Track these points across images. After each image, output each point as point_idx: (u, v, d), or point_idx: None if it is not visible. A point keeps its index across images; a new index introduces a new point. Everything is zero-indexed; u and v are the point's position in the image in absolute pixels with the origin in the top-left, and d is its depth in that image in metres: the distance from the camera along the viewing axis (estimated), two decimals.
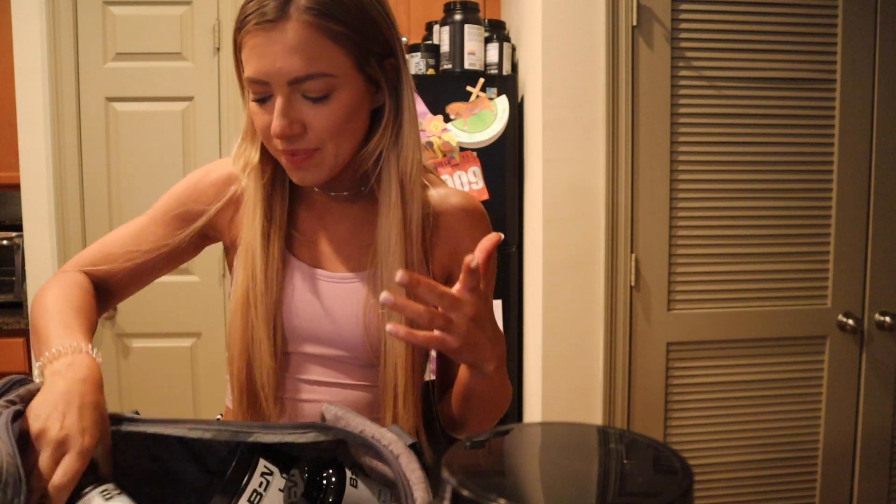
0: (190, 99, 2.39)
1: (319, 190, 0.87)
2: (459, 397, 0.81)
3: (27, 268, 2.33)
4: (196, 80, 2.39)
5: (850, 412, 1.93)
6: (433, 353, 0.92)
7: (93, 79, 2.35)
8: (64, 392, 0.61)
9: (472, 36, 2.05)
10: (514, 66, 2.16)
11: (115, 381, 2.40)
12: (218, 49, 2.38)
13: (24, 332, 2.33)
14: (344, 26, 0.72)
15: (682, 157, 1.84)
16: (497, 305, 2.04)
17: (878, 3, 1.83)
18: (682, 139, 1.83)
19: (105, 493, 0.57)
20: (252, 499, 0.59)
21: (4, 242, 2.43)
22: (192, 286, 2.43)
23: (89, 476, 0.58)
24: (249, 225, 0.83)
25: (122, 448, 0.64)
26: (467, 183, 2.02)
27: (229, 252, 0.90)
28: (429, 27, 2.21)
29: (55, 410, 0.59)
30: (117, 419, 0.65)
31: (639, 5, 1.78)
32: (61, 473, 0.56)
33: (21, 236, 2.38)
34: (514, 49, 2.15)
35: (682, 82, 1.82)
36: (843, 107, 1.85)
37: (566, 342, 1.87)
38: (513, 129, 2.04)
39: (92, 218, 2.38)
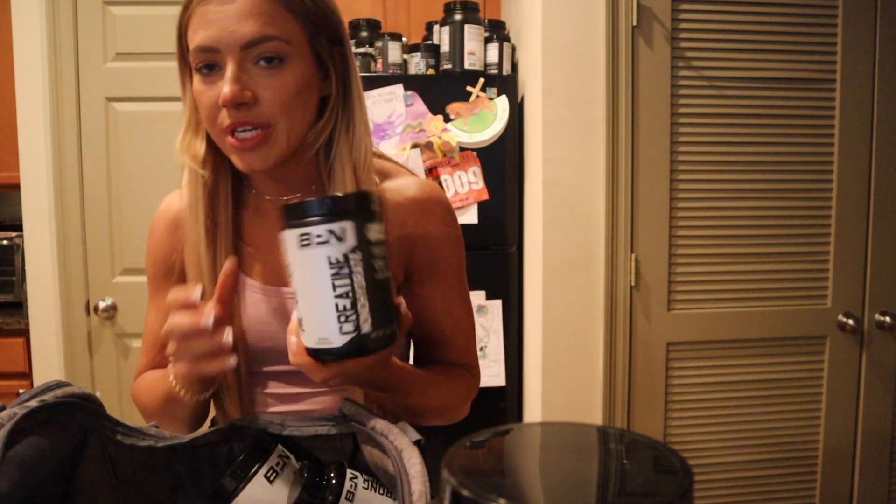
0: None
1: (268, 196, 0.83)
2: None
3: (27, 268, 2.33)
4: None
5: (850, 412, 1.93)
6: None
7: (93, 79, 2.35)
8: None
9: (472, 36, 2.05)
10: (514, 66, 2.16)
11: (115, 381, 2.40)
12: None
13: (24, 332, 2.32)
14: None
15: (682, 157, 1.84)
16: (497, 305, 2.04)
17: (878, 3, 1.83)
18: (682, 139, 1.83)
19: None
20: (268, 475, 0.61)
21: (4, 242, 2.43)
22: None
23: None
24: (193, 225, 0.78)
25: (137, 460, 0.64)
26: (467, 183, 2.02)
27: None
28: (429, 27, 2.21)
29: None
30: (135, 431, 0.65)
31: (639, 5, 1.78)
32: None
33: (21, 236, 2.37)
34: (514, 49, 2.15)
35: (682, 82, 1.82)
36: (843, 107, 1.85)
37: (566, 342, 1.87)
38: (513, 129, 2.04)
39: (92, 218, 2.38)
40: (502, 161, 2.04)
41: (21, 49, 2.27)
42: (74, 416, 0.61)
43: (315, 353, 0.60)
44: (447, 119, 2.03)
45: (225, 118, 0.71)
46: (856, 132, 1.86)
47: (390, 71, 2.09)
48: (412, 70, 2.09)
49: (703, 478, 1.91)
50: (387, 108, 2.02)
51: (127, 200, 2.38)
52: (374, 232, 0.58)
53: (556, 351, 1.87)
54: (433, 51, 2.09)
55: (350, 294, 0.57)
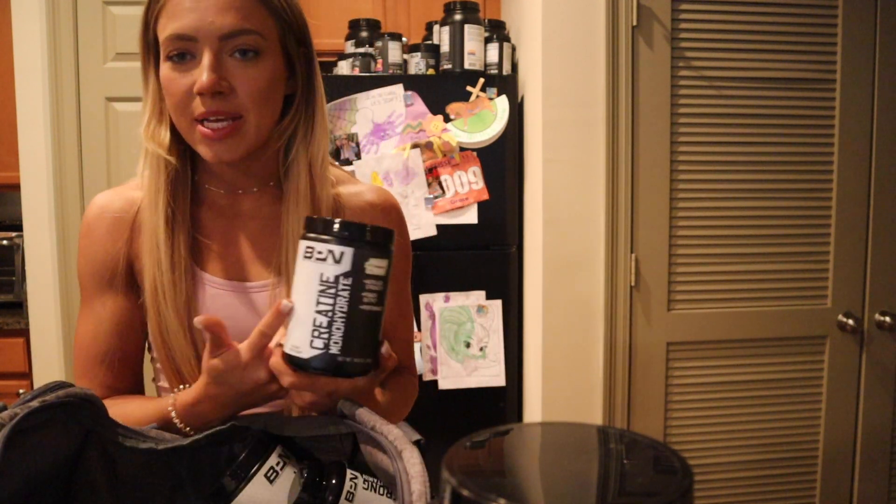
0: None
1: (225, 191, 0.83)
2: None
3: (27, 268, 2.33)
4: None
5: (850, 412, 1.93)
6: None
7: (93, 79, 2.35)
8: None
9: (472, 36, 2.05)
10: (514, 66, 2.16)
11: None
12: None
13: (24, 332, 2.33)
14: None
15: (682, 157, 1.84)
16: (497, 305, 2.04)
17: (878, 3, 1.83)
18: (682, 139, 1.83)
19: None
20: (268, 475, 0.61)
21: (4, 242, 2.43)
22: None
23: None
24: (153, 211, 0.77)
25: (138, 461, 0.64)
26: (467, 183, 2.02)
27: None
28: (429, 27, 2.21)
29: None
30: (135, 433, 0.65)
31: (639, 5, 1.78)
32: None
33: (21, 236, 2.38)
34: (514, 49, 2.15)
35: (682, 82, 1.82)
36: (843, 107, 1.85)
37: (566, 342, 1.87)
38: (513, 129, 2.04)
39: None
40: (502, 161, 2.04)
41: (21, 49, 2.27)
42: (75, 416, 0.61)
43: (287, 358, 0.62)
44: (447, 119, 2.03)
45: (198, 106, 0.72)
46: (856, 132, 1.86)
47: (390, 71, 2.09)
48: (412, 70, 2.09)
49: (703, 478, 1.91)
50: (387, 108, 2.02)
51: None
52: (374, 266, 0.60)
53: (556, 351, 1.88)
54: (433, 51, 2.09)
55: (329, 314, 0.59)
